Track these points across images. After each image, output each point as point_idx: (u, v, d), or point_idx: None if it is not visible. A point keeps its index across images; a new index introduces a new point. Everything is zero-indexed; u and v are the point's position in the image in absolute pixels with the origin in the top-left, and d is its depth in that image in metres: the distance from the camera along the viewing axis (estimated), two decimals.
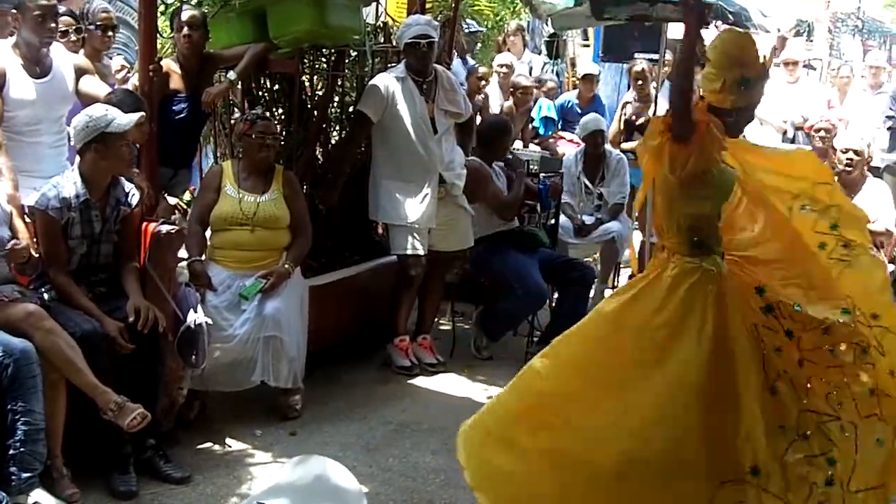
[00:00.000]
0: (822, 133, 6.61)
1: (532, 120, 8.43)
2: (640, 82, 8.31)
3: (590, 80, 8.74)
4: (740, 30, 3.49)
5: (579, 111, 8.35)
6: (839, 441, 3.12)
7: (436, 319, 6.04)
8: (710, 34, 8.71)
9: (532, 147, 8.21)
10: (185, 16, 4.85)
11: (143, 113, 4.09)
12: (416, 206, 5.38)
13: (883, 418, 3.17)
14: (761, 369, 3.14)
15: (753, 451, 3.05)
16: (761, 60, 3.31)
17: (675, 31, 9.01)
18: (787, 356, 3.17)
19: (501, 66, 8.50)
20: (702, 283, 3.23)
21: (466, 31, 8.67)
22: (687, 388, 3.11)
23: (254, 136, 4.72)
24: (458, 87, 5.77)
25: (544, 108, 8.45)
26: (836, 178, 5.97)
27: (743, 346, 3.16)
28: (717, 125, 3.28)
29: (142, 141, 4.40)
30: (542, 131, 8.48)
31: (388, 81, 5.36)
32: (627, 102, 8.47)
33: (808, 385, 3.17)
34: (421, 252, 5.41)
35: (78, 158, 4.05)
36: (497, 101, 8.16)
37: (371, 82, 5.42)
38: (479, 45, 9.52)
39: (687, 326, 3.18)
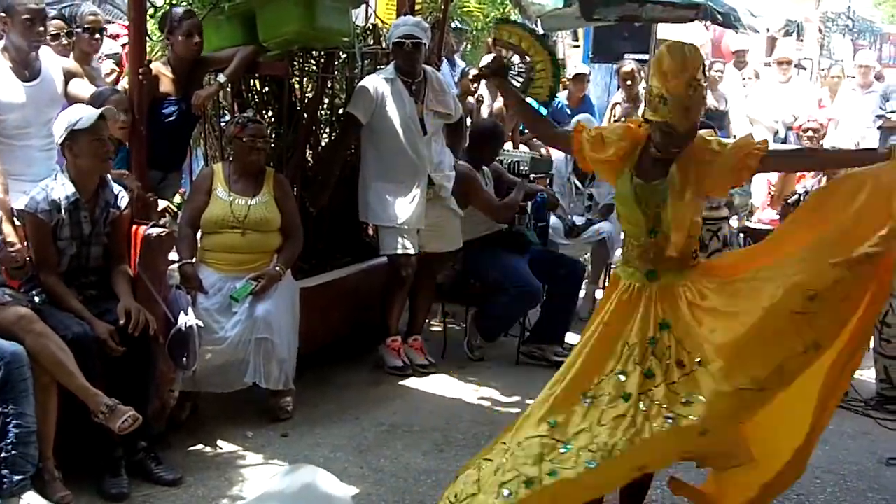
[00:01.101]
0: (809, 133, 6.66)
1: None
2: (628, 83, 8.34)
3: (580, 79, 8.73)
4: (684, 42, 3.26)
5: (569, 112, 8.34)
6: None
7: (427, 321, 6.05)
8: (701, 32, 8.80)
9: (522, 148, 8.21)
10: (190, 22, 4.80)
11: (108, 107, 4.07)
12: (405, 208, 5.39)
13: None
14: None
15: None
16: (685, 81, 3.01)
17: (665, 31, 9.07)
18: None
19: None
20: None
21: (453, 28, 8.64)
22: None
23: (245, 139, 4.73)
24: (448, 88, 5.79)
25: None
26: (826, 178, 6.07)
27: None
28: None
29: (122, 137, 4.40)
30: None
31: (378, 83, 5.38)
32: (617, 103, 8.51)
33: None
34: (411, 251, 5.41)
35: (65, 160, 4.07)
36: (487, 103, 8.17)
37: (360, 84, 5.44)
38: (469, 46, 9.49)
39: None
